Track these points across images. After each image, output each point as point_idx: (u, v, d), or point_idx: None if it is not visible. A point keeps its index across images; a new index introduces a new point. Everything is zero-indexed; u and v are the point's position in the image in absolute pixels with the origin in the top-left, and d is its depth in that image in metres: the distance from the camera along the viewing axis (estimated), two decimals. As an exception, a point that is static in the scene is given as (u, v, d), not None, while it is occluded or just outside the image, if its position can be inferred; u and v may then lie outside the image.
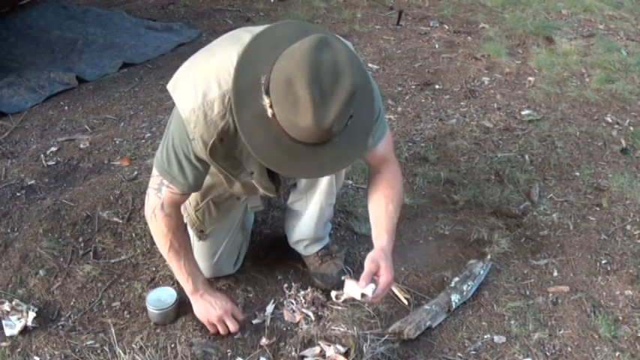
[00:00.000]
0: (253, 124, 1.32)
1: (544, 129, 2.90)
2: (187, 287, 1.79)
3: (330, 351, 1.67)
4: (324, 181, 1.81)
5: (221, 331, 1.79)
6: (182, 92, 1.50)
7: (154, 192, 1.64)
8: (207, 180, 1.71)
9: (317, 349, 1.69)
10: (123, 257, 2.09)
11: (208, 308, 1.78)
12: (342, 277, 1.66)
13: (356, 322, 1.82)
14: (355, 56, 1.34)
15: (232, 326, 1.79)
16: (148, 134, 2.79)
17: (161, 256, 2.05)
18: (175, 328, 1.83)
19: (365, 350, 1.68)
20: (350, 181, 2.45)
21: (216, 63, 1.46)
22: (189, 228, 1.88)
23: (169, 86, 1.55)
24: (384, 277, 1.54)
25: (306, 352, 1.71)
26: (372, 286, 1.52)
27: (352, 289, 1.54)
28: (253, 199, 1.91)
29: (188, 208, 1.85)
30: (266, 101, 1.29)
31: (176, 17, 4.15)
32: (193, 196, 1.81)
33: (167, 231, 1.66)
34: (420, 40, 3.87)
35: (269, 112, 1.29)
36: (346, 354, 1.66)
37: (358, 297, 1.53)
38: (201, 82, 1.45)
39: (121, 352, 1.71)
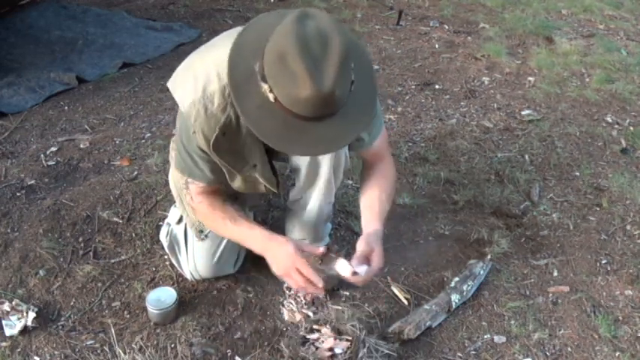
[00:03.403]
0: (258, 114, 1.32)
1: (544, 129, 2.90)
2: (253, 248, 1.64)
3: (328, 342, 1.67)
4: (322, 179, 1.80)
5: (298, 281, 1.53)
6: (182, 87, 1.51)
7: (185, 192, 1.68)
8: None
9: (316, 335, 1.70)
10: (123, 257, 2.09)
11: (275, 261, 1.58)
12: (331, 254, 1.60)
13: (356, 322, 1.82)
14: (339, 22, 1.35)
15: (305, 270, 1.51)
16: (148, 134, 2.79)
17: (161, 256, 2.06)
18: (175, 328, 1.83)
19: (365, 350, 1.68)
20: (350, 181, 2.45)
21: (215, 56, 1.47)
22: (188, 228, 1.87)
23: (169, 83, 1.56)
24: (375, 262, 1.55)
25: (306, 352, 1.70)
26: (365, 266, 1.52)
27: (343, 267, 1.53)
28: (252, 198, 1.91)
29: (187, 208, 1.85)
30: (265, 87, 1.29)
31: (176, 17, 4.14)
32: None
33: (207, 212, 1.67)
34: (420, 40, 3.87)
35: (270, 97, 1.29)
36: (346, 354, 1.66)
37: (348, 274, 1.52)
38: (200, 76, 1.47)
39: (120, 352, 1.71)
